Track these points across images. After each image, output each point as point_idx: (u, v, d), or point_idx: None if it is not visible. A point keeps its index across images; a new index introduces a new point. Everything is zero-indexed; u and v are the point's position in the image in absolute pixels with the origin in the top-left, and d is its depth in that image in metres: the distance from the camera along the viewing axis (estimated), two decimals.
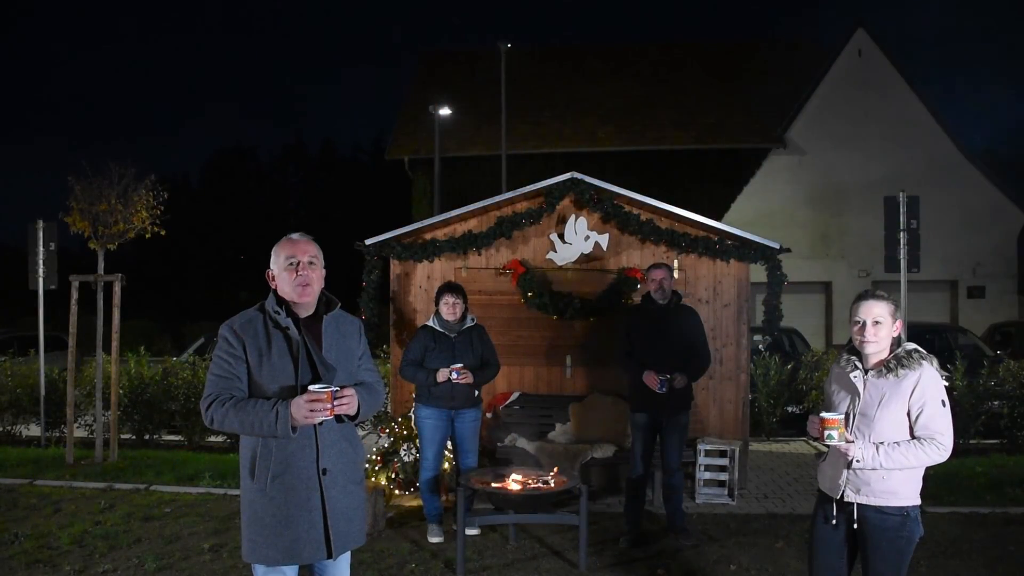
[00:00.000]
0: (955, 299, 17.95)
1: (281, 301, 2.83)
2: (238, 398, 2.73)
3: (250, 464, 2.77)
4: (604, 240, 6.69)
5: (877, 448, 2.89)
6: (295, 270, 2.79)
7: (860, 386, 3.00)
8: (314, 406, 2.61)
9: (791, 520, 5.73)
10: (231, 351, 2.77)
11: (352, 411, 2.75)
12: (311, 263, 2.81)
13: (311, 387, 2.65)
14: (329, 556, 2.80)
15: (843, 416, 2.95)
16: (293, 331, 2.78)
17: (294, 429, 2.65)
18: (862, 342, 2.98)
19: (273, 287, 2.86)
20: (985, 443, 8.23)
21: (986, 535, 5.33)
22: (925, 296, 16.57)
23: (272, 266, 2.86)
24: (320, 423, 2.74)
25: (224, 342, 2.79)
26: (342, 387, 2.72)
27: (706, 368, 5.35)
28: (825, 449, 3.09)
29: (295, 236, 2.88)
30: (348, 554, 2.96)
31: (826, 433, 2.89)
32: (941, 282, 17.60)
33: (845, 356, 3.10)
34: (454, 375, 5.06)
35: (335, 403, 2.66)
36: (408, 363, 5.32)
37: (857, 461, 2.89)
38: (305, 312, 2.85)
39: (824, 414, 2.92)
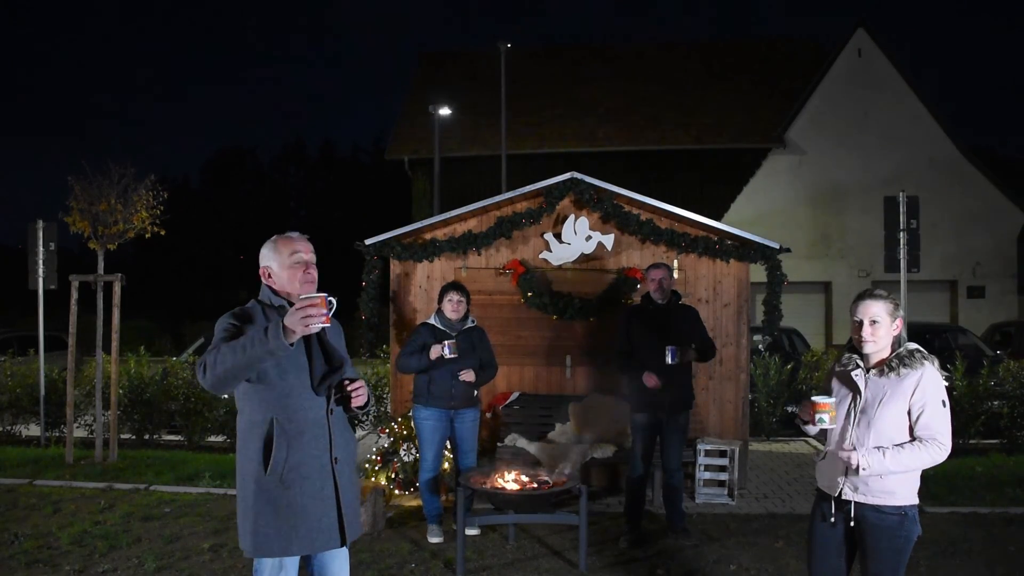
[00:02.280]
0: (955, 299, 17.96)
1: (279, 296, 2.82)
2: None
3: (261, 456, 2.73)
4: (609, 240, 6.68)
5: (883, 453, 2.89)
6: (303, 268, 2.80)
7: (861, 384, 2.99)
8: (309, 311, 2.39)
9: (791, 520, 5.73)
10: (236, 329, 2.71)
11: (365, 400, 2.82)
12: (313, 261, 2.85)
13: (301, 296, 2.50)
14: (343, 544, 2.83)
15: (834, 401, 2.97)
16: None
17: (292, 345, 2.44)
18: (860, 341, 2.98)
19: (268, 284, 2.84)
20: (985, 443, 8.22)
21: (986, 535, 5.33)
22: (925, 296, 16.57)
23: (269, 263, 2.84)
24: (320, 332, 2.70)
25: (227, 324, 2.73)
26: (352, 380, 2.80)
27: (713, 355, 5.40)
28: (813, 435, 3.09)
29: (294, 235, 2.87)
30: (346, 549, 2.98)
31: (817, 417, 2.92)
32: (941, 282, 17.61)
33: (847, 354, 3.10)
34: (447, 350, 5.03)
35: (353, 392, 2.74)
36: (405, 355, 5.32)
37: (863, 469, 2.88)
38: None
39: (815, 398, 2.94)
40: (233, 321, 2.75)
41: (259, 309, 2.81)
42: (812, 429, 2.98)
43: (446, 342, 5.07)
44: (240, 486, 2.82)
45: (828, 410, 2.91)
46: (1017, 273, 17.82)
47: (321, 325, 2.42)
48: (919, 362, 2.93)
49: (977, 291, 17.77)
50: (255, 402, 2.76)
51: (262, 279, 2.87)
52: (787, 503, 6.25)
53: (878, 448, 2.90)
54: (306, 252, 2.82)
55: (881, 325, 2.95)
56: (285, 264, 2.80)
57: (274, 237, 2.88)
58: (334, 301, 2.47)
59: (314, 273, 2.82)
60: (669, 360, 4.95)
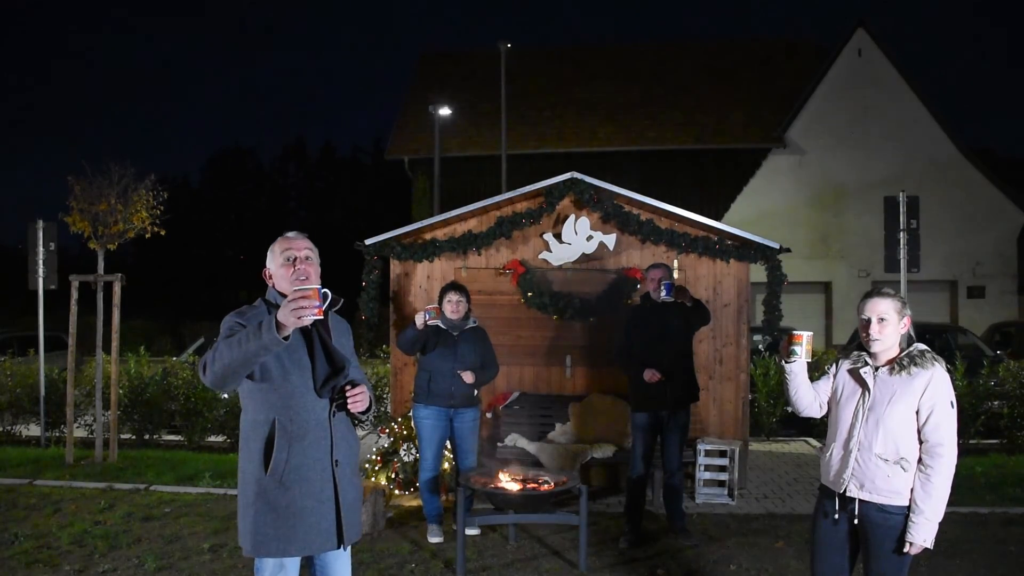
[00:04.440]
0: (955, 299, 17.95)
1: (283, 296, 2.82)
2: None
3: (262, 456, 2.73)
4: (610, 240, 6.68)
5: (923, 510, 2.85)
6: (292, 265, 2.80)
7: (870, 382, 2.98)
8: (301, 303, 2.39)
9: (791, 520, 5.73)
10: (241, 328, 2.67)
11: (364, 407, 2.80)
12: (307, 258, 2.82)
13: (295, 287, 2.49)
14: (340, 546, 2.83)
15: (810, 334, 3.07)
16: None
17: (286, 339, 2.45)
18: (868, 339, 2.97)
19: (271, 285, 2.86)
20: (985, 443, 8.22)
21: (986, 535, 5.33)
22: (925, 296, 16.56)
23: (268, 265, 2.87)
24: (314, 328, 2.66)
25: (232, 322, 2.72)
26: (354, 384, 2.78)
27: (708, 314, 5.34)
28: (794, 372, 3.10)
29: (290, 234, 2.88)
30: (349, 549, 2.98)
31: (790, 349, 3.02)
32: (941, 282, 17.61)
33: (855, 352, 3.09)
34: (427, 316, 5.09)
35: (350, 397, 2.70)
36: (401, 333, 5.36)
37: (925, 541, 2.87)
38: None
39: (794, 331, 3.05)
40: (238, 320, 2.74)
41: (265, 308, 2.81)
42: (792, 368, 3.08)
43: (427, 307, 5.16)
44: (241, 485, 2.82)
45: (801, 342, 3.02)
46: (1017, 273, 17.82)
47: (313, 317, 2.42)
48: (930, 362, 2.92)
49: (977, 291, 17.77)
50: (258, 402, 2.75)
51: (265, 281, 2.89)
52: (787, 503, 6.25)
53: (916, 510, 2.87)
54: (298, 249, 2.81)
55: (889, 323, 2.95)
56: (279, 263, 2.82)
57: (275, 239, 2.90)
58: (328, 293, 2.45)
59: (307, 269, 2.79)
60: (664, 295, 5.01)
